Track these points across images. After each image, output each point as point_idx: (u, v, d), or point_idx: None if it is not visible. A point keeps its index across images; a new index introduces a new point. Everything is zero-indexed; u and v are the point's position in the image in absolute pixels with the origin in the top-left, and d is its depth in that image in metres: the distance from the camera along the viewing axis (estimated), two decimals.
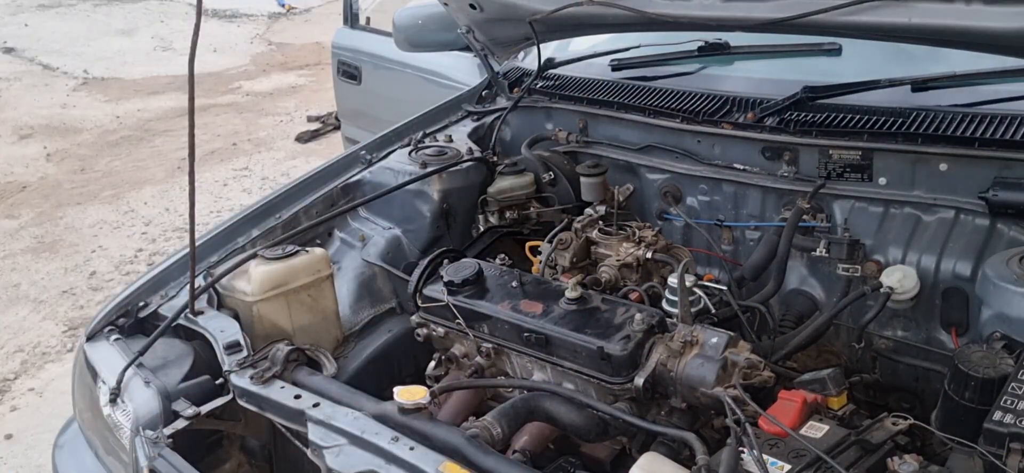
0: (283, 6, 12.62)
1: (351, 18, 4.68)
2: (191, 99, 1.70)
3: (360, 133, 4.00)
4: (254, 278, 1.99)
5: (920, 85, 2.04)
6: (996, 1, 1.73)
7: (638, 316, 1.65)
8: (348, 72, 4.56)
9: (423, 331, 1.94)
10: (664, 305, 1.82)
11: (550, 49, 2.74)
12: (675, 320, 1.70)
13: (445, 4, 2.64)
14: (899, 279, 1.79)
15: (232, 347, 1.87)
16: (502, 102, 2.74)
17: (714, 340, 1.56)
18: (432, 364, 1.95)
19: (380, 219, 2.40)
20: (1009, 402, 1.27)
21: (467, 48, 2.93)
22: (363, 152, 2.52)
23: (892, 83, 2.06)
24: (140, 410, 1.77)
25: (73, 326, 4.45)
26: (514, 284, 1.85)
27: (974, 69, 2.00)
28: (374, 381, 2.02)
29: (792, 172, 2.06)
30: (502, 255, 2.06)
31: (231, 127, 7.76)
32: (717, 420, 1.60)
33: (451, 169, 2.37)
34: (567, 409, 1.62)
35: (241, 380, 1.80)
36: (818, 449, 1.28)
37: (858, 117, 2.01)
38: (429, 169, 2.34)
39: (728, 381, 1.50)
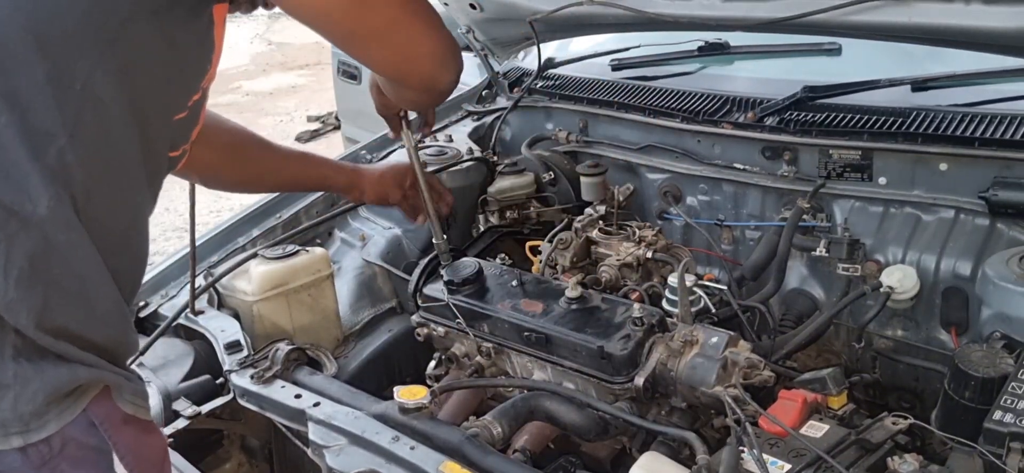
0: None
1: None
2: None
3: (360, 133, 4.00)
4: (254, 278, 1.99)
5: (920, 85, 2.04)
6: (995, 0, 1.73)
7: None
8: (348, 72, 4.56)
9: (423, 331, 1.94)
10: (664, 305, 1.82)
11: (550, 49, 2.74)
12: (675, 320, 1.70)
13: (445, 4, 2.64)
14: (899, 279, 1.79)
15: (232, 347, 1.87)
16: (502, 102, 2.74)
17: (714, 340, 1.56)
18: (432, 364, 1.95)
19: (380, 219, 2.40)
20: (1009, 401, 1.27)
21: (467, 48, 2.93)
22: (363, 152, 2.52)
23: (892, 83, 2.07)
24: None
25: None
26: (514, 284, 1.85)
27: (974, 69, 2.01)
28: (374, 381, 2.02)
29: (792, 172, 2.06)
30: (502, 255, 2.06)
31: None
32: (717, 420, 1.60)
33: (451, 169, 2.37)
34: (567, 408, 1.62)
35: (241, 380, 1.80)
36: (818, 449, 1.28)
37: (858, 117, 2.01)
38: (429, 169, 2.34)
39: (728, 381, 1.50)
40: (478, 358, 1.84)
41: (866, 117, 2.00)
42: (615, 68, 2.60)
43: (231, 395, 1.81)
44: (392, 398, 1.59)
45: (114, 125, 1.12)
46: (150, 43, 1.13)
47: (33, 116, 1.05)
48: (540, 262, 2.07)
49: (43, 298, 1.08)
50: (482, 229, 2.39)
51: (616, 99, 2.40)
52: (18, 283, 1.05)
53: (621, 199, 2.17)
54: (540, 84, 2.64)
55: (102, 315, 1.15)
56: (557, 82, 2.63)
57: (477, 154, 2.46)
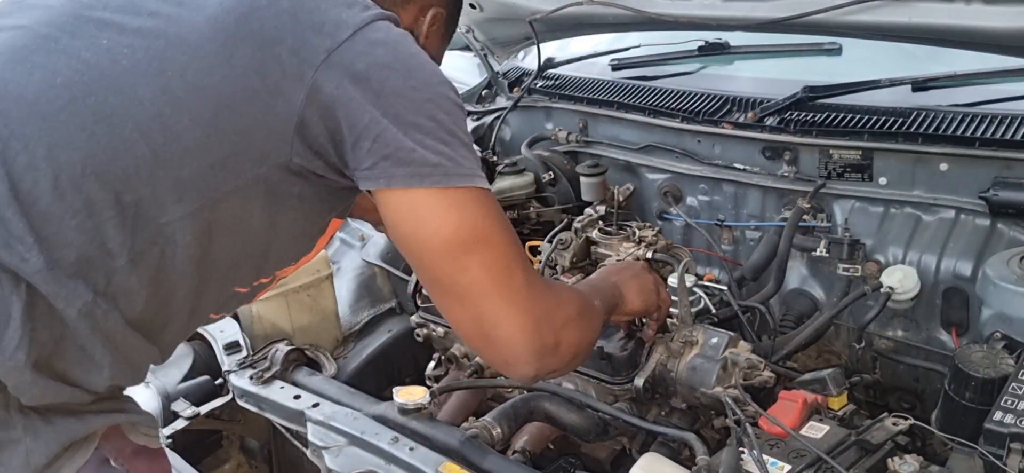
0: None
1: None
2: None
3: None
4: None
5: (920, 85, 2.03)
6: (996, 0, 1.73)
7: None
8: None
9: (423, 331, 1.94)
10: None
11: (550, 49, 2.74)
12: (675, 320, 1.69)
13: None
14: (899, 279, 1.79)
15: (231, 347, 1.87)
16: (502, 102, 2.74)
17: (714, 340, 1.56)
18: (432, 364, 1.95)
19: None
20: (1009, 402, 1.27)
21: (467, 48, 2.93)
22: None
23: (892, 83, 2.06)
24: None
25: None
26: None
27: (975, 69, 2.00)
28: (374, 381, 2.02)
29: (792, 172, 2.06)
30: None
31: None
32: (717, 420, 1.60)
33: None
34: (567, 409, 1.61)
35: (241, 380, 1.79)
36: (818, 449, 1.27)
37: (858, 117, 2.00)
38: None
39: (728, 381, 1.50)
40: (477, 358, 1.84)
41: (866, 117, 1.99)
42: (615, 68, 2.60)
43: (230, 396, 1.81)
44: (391, 399, 1.58)
45: (174, 271, 1.10)
46: (251, 217, 1.12)
47: (103, 233, 1.04)
48: (540, 262, 2.07)
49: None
50: None
51: (616, 99, 2.39)
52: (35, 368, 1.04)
53: (621, 199, 2.16)
54: (540, 84, 2.64)
55: (114, 377, 1.13)
56: (557, 82, 2.63)
57: (477, 154, 2.45)
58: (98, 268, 1.04)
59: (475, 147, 2.48)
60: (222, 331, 1.91)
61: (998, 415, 1.25)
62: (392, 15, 1.17)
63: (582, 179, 2.28)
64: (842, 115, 2.03)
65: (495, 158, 2.50)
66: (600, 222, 2.11)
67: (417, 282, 1.97)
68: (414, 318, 1.95)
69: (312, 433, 1.61)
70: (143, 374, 1.21)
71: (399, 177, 1.09)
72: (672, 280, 1.79)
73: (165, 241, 1.07)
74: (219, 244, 1.12)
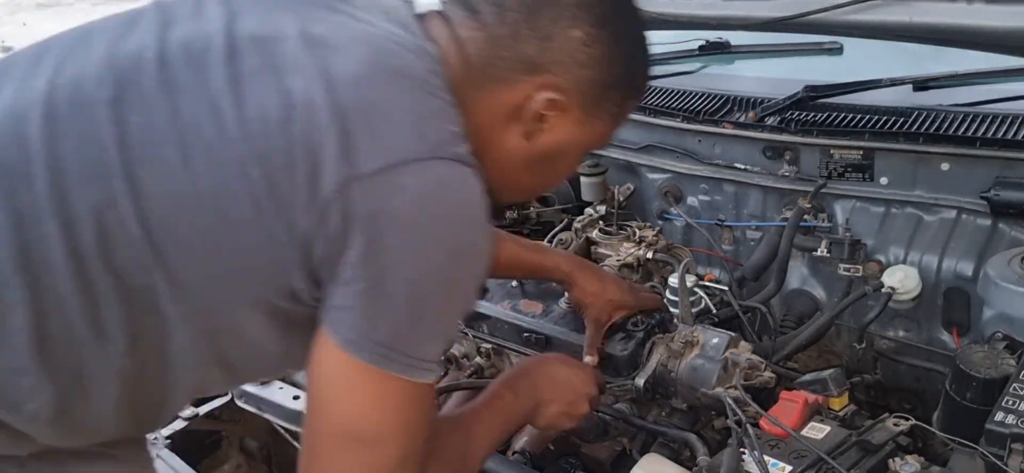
0: None
1: None
2: None
3: None
4: None
5: (922, 84, 2.03)
6: (997, 0, 1.72)
7: (638, 316, 1.64)
8: None
9: None
10: None
11: None
12: (676, 320, 1.69)
13: (444, 4, 2.63)
14: (900, 279, 1.78)
15: None
16: None
17: (715, 340, 1.56)
18: None
19: None
20: (1011, 403, 1.26)
21: None
22: None
23: (894, 82, 2.06)
24: None
25: None
26: (514, 284, 1.85)
27: (976, 68, 2.00)
28: None
29: (793, 172, 2.05)
30: None
31: None
32: (718, 421, 1.59)
33: None
34: None
35: None
36: (819, 450, 1.27)
37: (859, 116, 2.00)
38: None
39: (729, 382, 1.50)
40: (477, 359, 1.83)
41: (867, 117, 1.99)
42: None
43: (229, 396, 1.81)
44: None
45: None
46: (257, 332, 1.08)
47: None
48: None
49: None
50: None
51: None
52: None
53: (621, 199, 2.16)
54: None
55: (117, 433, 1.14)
56: None
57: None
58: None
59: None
60: None
61: (999, 416, 1.24)
62: (461, 155, 1.04)
63: (582, 179, 2.27)
64: (843, 115, 2.02)
65: None
66: (600, 222, 2.11)
67: None
68: None
69: None
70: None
71: (341, 332, 1.02)
72: (673, 280, 1.79)
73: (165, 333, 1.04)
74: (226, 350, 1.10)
